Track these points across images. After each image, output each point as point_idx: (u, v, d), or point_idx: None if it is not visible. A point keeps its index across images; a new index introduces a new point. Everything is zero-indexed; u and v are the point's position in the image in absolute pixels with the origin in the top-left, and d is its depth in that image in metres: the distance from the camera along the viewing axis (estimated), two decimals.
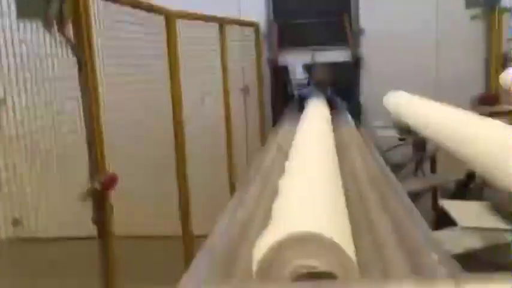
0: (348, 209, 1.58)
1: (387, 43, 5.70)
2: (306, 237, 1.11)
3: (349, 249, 1.16)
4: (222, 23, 4.40)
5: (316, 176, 1.75)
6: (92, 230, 2.13)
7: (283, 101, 5.60)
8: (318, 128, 2.99)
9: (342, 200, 1.62)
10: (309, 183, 1.64)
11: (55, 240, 2.02)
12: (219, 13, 4.37)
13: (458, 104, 3.44)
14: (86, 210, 2.10)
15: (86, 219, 2.11)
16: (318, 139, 2.57)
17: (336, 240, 1.12)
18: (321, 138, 2.61)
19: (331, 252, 1.10)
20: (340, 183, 1.87)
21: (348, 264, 1.12)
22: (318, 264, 1.09)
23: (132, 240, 2.62)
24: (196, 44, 3.86)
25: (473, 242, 1.90)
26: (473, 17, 5.49)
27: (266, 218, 1.41)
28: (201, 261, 1.56)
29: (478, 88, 5.67)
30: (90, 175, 2.13)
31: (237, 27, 4.99)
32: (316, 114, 3.72)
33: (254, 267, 1.13)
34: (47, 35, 1.94)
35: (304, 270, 1.10)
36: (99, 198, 2.10)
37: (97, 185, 2.06)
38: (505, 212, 1.99)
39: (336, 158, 2.31)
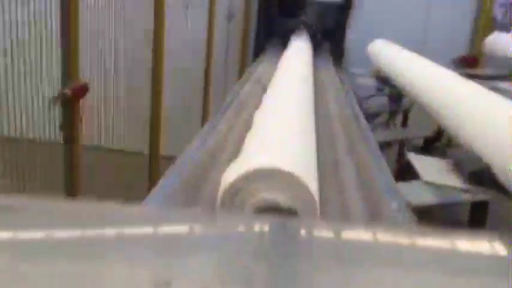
0: (317, 149, 1.59)
1: None
2: (272, 171, 1.14)
3: (313, 187, 1.19)
4: None
5: (290, 114, 1.76)
6: (58, 136, 2.10)
7: (268, 33, 5.47)
8: (298, 66, 2.96)
9: (312, 139, 1.64)
10: (283, 120, 1.65)
11: (18, 140, 1.98)
12: None
13: (441, 62, 3.44)
14: (55, 116, 2.06)
15: (53, 125, 2.08)
16: (296, 78, 2.55)
17: (301, 178, 1.15)
18: (299, 77, 2.60)
19: (295, 189, 1.14)
20: (313, 123, 1.88)
21: (310, 202, 1.15)
22: (281, 198, 1.13)
23: (99, 152, 2.61)
24: None
25: (432, 197, 1.96)
26: None
27: (236, 148, 1.42)
28: (167, 182, 1.57)
29: (463, 48, 5.67)
30: (62, 81, 2.07)
31: None
32: (299, 52, 3.68)
33: (219, 196, 1.16)
34: None
35: (267, 203, 1.13)
36: (69, 105, 2.06)
37: (67, 92, 2.01)
38: (466, 172, 2.05)
39: (312, 99, 2.31)
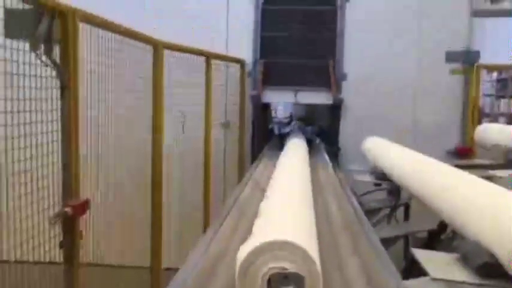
0: (320, 252, 1.59)
1: (369, 89, 5.82)
2: (280, 243, 1.36)
3: (315, 255, 1.39)
4: (209, 56, 4.45)
5: (292, 207, 1.91)
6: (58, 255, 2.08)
7: (263, 138, 5.62)
8: (296, 169, 3.01)
9: (312, 222, 1.85)
10: (285, 210, 1.85)
11: (20, 263, 1.96)
12: (207, 48, 4.43)
13: (434, 154, 3.50)
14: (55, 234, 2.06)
15: (54, 244, 2.07)
16: (295, 180, 2.58)
17: (305, 247, 1.36)
18: (298, 180, 2.62)
19: (300, 257, 1.34)
20: (313, 220, 1.89)
21: (313, 268, 1.35)
22: (288, 266, 1.33)
23: (99, 268, 2.57)
24: (182, 76, 3.88)
25: None
26: (452, 72, 5.66)
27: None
28: None
29: (454, 140, 5.79)
30: (62, 199, 2.09)
31: (222, 62, 5.05)
32: (295, 154, 3.75)
33: (237, 267, 1.36)
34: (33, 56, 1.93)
35: (277, 271, 1.33)
36: (69, 223, 2.06)
37: (68, 210, 2.02)
38: (474, 265, 2.00)
39: (310, 196, 2.33)
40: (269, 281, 1.33)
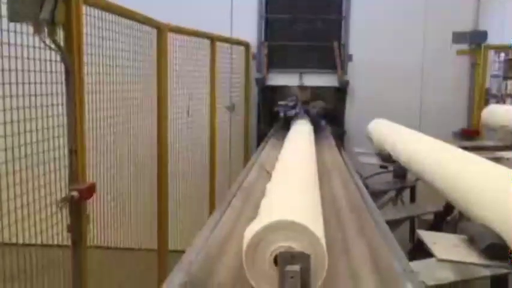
0: (326, 233, 1.59)
1: (374, 71, 5.77)
2: (287, 223, 1.40)
3: (320, 235, 1.42)
4: (213, 39, 4.42)
5: (298, 187, 1.96)
6: (66, 238, 2.10)
7: (269, 120, 5.61)
8: (302, 151, 3.00)
9: (318, 202, 1.88)
10: (292, 190, 1.89)
11: (28, 246, 1.98)
12: (212, 31, 4.39)
13: (440, 136, 3.49)
14: (62, 218, 2.07)
15: (61, 227, 2.08)
16: (301, 163, 2.58)
17: (311, 228, 1.40)
18: (304, 161, 2.62)
19: (306, 237, 1.38)
20: (319, 201, 1.90)
21: (319, 248, 1.39)
22: (295, 245, 1.37)
23: (106, 250, 2.59)
24: (186, 59, 3.86)
25: (449, 275, 1.91)
26: (459, 52, 5.60)
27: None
28: (175, 278, 1.54)
29: (460, 122, 5.75)
30: (68, 183, 2.10)
31: (227, 45, 5.02)
32: (301, 136, 3.74)
33: (244, 246, 1.40)
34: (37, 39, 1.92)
35: (283, 250, 1.36)
36: (76, 206, 2.07)
37: (75, 193, 2.03)
38: (481, 247, 2.00)
39: (317, 181, 2.32)
40: (275, 259, 1.36)
